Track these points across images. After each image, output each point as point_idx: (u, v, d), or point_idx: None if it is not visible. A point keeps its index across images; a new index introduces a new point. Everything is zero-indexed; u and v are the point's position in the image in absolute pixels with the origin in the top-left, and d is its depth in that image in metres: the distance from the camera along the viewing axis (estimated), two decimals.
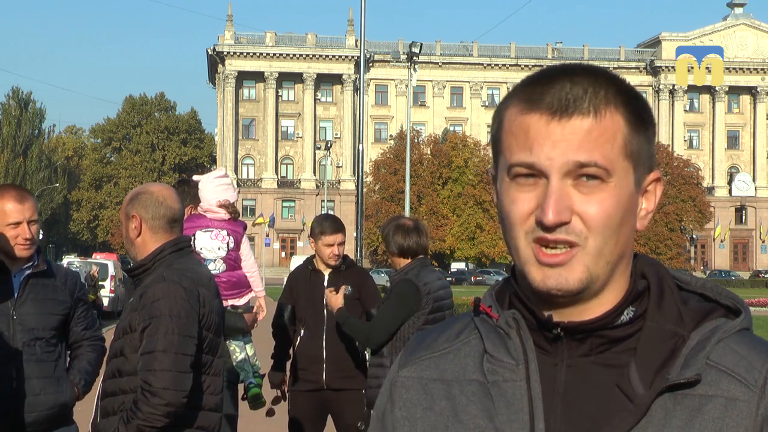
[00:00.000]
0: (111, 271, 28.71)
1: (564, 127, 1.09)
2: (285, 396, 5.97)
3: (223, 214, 5.44)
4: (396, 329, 5.00)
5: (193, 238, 5.29)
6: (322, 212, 70.79)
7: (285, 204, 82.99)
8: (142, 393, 3.15)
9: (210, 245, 5.37)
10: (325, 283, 5.70)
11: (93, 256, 54.86)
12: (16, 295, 3.95)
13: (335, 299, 5.29)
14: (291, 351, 5.97)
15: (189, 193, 5.43)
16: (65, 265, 5.17)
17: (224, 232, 5.42)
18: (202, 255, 5.29)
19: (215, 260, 5.35)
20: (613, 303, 1.14)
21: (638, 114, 1.13)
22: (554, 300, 1.13)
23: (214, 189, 5.45)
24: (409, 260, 5.16)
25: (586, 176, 1.09)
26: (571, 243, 1.10)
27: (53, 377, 3.99)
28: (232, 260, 5.45)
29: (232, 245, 5.44)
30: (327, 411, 5.80)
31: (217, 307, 3.43)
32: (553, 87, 1.11)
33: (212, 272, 5.26)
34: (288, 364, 5.98)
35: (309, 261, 5.86)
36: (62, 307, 4.07)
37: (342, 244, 5.68)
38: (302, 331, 5.80)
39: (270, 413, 5.95)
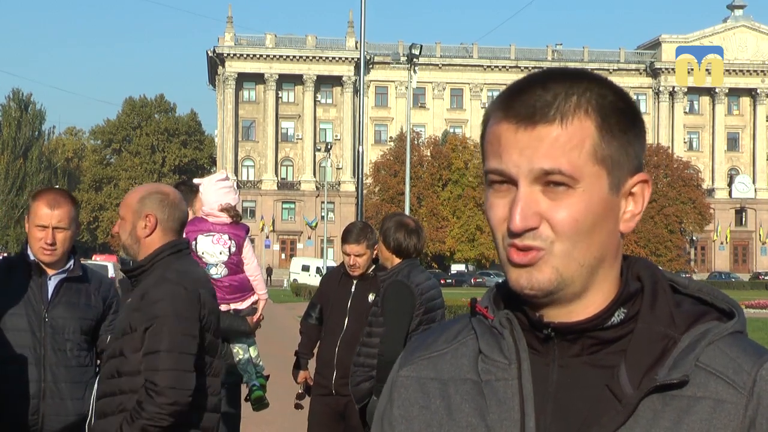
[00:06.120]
0: (111, 272, 28.74)
1: (530, 135, 1.11)
2: (309, 391, 5.94)
3: (225, 218, 5.40)
4: (406, 333, 4.89)
5: (194, 242, 5.27)
6: (322, 214, 71.01)
7: (285, 206, 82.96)
8: (147, 393, 3.15)
9: (211, 249, 5.34)
10: (353, 289, 5.67)
11: (93, 258, 54.98)
12: (49, 298, 3.97)
13: None
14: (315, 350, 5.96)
15: (190, 195, 5.42)
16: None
17: (226, 236, 5.38)
18: (203, 259, 5.27)
19: (217, 264, 5.32)
20: (603, 304, 1.15)
21: (617, 117, 1.13)
22: (533, 301, 1.15)
23: (215, 192, 5.40)
24: (400, 260, 5.10)
25: (553, 183, 1.11)
26: (538, 249, 1.11)
27: (82, 383, 3.96)
28: (234, 264, 5.41)
29: (233, 249, 5.41)
30: (340, 415, 5.77)
31: (216, 308, 3.45)
32: (525, 94, 1.13)
33: (214, 277, 5.24)
34: (310, 363, 6.00)
35: (342, 264, 5.80)
36: (94, 313, 4.06)
37: (360, 255, 5.56)
38: (323, 335, 5.81)
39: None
